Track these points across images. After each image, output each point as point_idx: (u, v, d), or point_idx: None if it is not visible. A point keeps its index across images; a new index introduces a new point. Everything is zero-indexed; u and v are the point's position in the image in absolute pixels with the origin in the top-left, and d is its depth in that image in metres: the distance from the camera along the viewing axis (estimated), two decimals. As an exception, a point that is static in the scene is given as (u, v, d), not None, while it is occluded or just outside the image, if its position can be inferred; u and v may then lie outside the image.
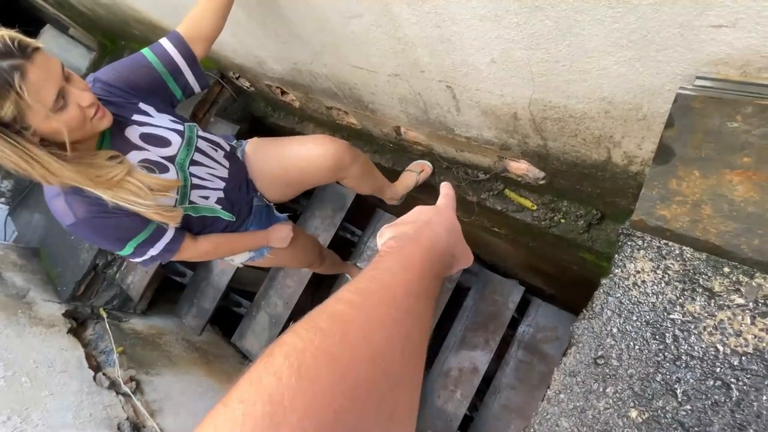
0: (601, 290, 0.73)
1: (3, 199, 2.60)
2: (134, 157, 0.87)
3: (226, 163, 1.07)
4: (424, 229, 0.41)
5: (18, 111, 0.68)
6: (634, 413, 0.64)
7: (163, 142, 0.92)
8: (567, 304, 2.20)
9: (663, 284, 0.70)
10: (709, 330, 0.65)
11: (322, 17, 1.01)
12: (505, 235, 1.58)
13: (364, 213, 2.25)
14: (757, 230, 0.61)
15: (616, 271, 0.73)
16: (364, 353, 0.26)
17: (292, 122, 2.08)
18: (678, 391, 0.64)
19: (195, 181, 0.97)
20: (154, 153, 0.90)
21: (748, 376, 0.60)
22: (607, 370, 0.69)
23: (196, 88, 1.01)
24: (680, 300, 0.68)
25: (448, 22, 0.75)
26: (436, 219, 0.43)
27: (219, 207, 1.04)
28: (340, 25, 0.99)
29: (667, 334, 0.67)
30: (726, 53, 0.51)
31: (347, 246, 2.41)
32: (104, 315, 1.97)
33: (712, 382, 0.62)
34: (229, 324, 2.41)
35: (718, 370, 0.63)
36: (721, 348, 0.64)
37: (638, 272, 0.72)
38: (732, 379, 0.61)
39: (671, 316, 0.68)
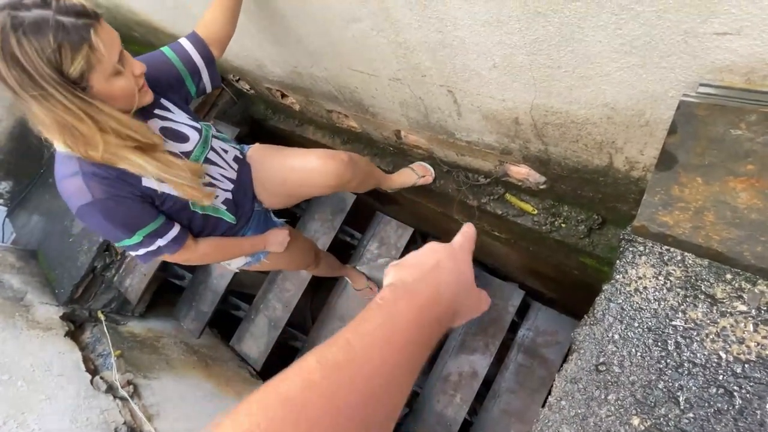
0: (603, 296, 0.73)
1: (1, 201, 2.59)
2: None
3: (236, 166, 1.08)
4: (427, 278, 0.37)
5: (87, 67, 0.70)
6: (636, 421, 0.64)
7: (182, 138, 0.93)
8: (567, 308, 2.20)
9: (665, 290, 0.69)
10: (711, 337, 0.65)
11: (323, 21, 1.01)
12: (505, 239, 1.57)
13: (364, 216, 2.25)
14: (760, 237, 0.60)
15: (618, 277, 0.73)
16: None
17: (292, 125, 2.08)
18: (680, 399, 0.64)
19: (207, 179, 0.98)
20: (173, 148, 0.91)
21: (751, 384, 0.60)
22: (609, 377, 0.68)
23: (209, 87, 1.04)
24: (682, 306, 0.67)
25: (450, 27, 0.74)
26: (445, 265, 0.39)
27: (224, 208, 1.05)
28: (341, 29, 0.99)
29: (669, 341, 0.67)
30: (730, 60, 0.50)
31: (347, 249, 2.41)
32: (102, 318, 1.96)
33: (714, 390, 0.62)
34: (227, 327, 2.40)
35: (720, 377, 0.62)
36: (723, 355, 0.63)
37: (640, 278, 0.72)
38: (735, 387, 0.61)
39: (673, 323, 0.67)
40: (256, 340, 2.15)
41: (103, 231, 0.87)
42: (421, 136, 1.36)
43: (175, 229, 0.94)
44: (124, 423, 1.45)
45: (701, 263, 0.70)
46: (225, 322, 2.46)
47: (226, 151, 1.06)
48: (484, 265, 2.40)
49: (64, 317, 1.85)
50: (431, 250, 0.41)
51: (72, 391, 1.47)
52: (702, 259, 0.70)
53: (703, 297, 0.69)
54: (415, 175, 1.52)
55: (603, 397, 0.70)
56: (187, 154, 0.93)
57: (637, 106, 0.67)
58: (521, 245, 1.55)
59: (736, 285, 0.67)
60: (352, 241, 2.30)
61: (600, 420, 0.68)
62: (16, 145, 2.46)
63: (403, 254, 2.16)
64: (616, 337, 0.73)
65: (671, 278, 0.73)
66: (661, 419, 0.65)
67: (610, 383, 0.70)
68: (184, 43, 0.97)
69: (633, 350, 0.71)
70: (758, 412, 0.56)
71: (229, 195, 1.05)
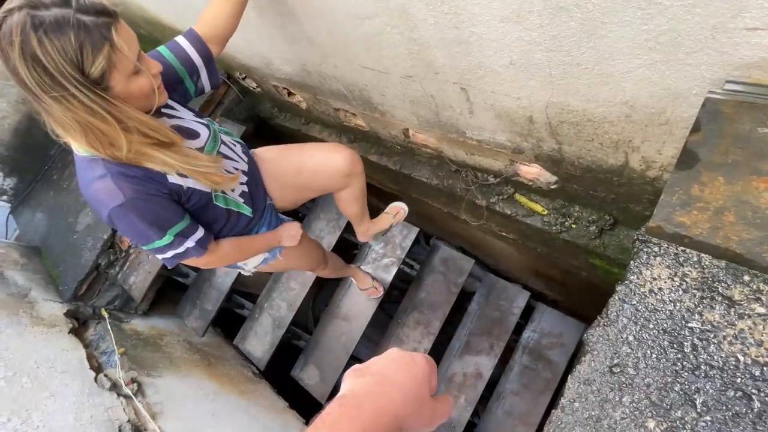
0: (617, 297, 0.71)
1: (5, 197, 2.58)
2: None
3: (245, 158, 1.08)
4: (375, 391, 0.37)
5: (108, 67, 0.69)
6: (651, 424, 0.63)
7: (193, 135, 0.92)
8: (571, 310, 2.19)
9: (681, 292, 0.68)
10: (729, 339, 0.64)
11: (335, 17, 1.00)
12: (513, 239, 1.56)
13: (371, 215, 2.24)
14: (781, 238, 0.60)
15: (632, 278, 0.72)
16: None
17: (299, 123, 2.07)
18: (697, 402, 0.63)
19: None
20: (187, 144, 0.89)
21: (770, 387, 0.59)
22: (624, 379, 0.67)
23: (208, 87, 1.02)
24: (699, 308, 0.66)
25: (467, 23, 0.74)
26: (400, 377, 0.39)
27: (242, 201, 1.04)
28: (353, 26, 0.98)
29: (685, 343, 0.66)
30: (760, 57, 0.50)
31: (351, 249, 2.40)
32: (106, 315, 1.95)
33: (732, 393, 0.61)
34: (231, 326, 2.39)
35: (738, 380, 0.61)
36: (741, 358, 0.62)
37: (655, 279, 0.71)
38: (753, 390, 0.60)
39: (689, 325, 0.66)
40: (260, 339, 2.14)
41: (135, 232, 0.85)
42: (430, 134, 1.35)
43: (200, 231, 0.94)
44: (128, 421, 1.44)
45: (718, 264, 0.69)
46: (228, 321, 2.46)
47: (234, 144, 1.07)
48: (488, 266, 2.40)
49: (68, 314, 1.85)
50: (390, 359, 0.41)
51: (76, 388, 1.46)
52: (719, 260, 0.69)
53: (720, 299, 0.68)
54: (390, 217, 1.65)
55: (617, 399, 0.69)
56: (199, 150, 0.93)
57: (658, 104, 0.66)
58: (529, 246, 1.54)
59: (755, 287, 0.66)
60: (356, 241, 2.29)
61: (614, 422, 0.67)
62: (21, 141, 2.45)
63: (409, 252, 2.15)
64: (631, 338, 0.72)
65: (687, 279, 0.72)
66: (678, 422, 0.64)
67: (624, 385, 0.69)
68: (181, 41, 0.95)
69: (648, 352, 0.70)
70: (777, 415, 0.55)
71: (245, 188, 1.05)
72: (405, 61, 0.99)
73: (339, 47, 1.13)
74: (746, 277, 0.65)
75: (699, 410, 0.61)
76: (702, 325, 0.66)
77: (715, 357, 0.63)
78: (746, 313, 0.64)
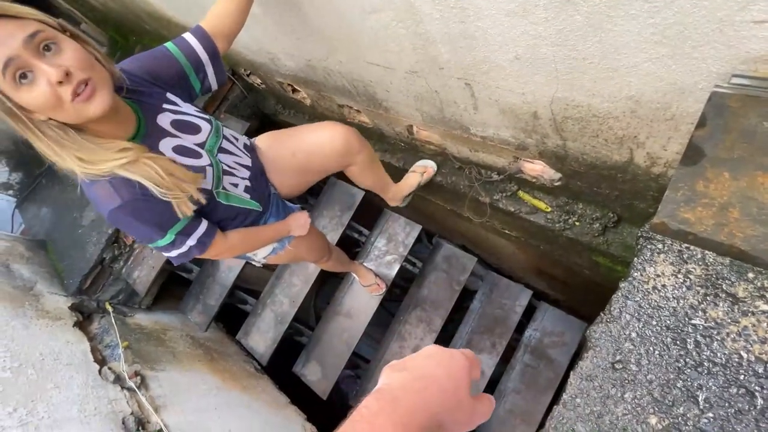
0: (620, 294, 0.71)
1: (11, 192, 2.61)
2: (168, 143, 0.87)
3: (248, 153, 1.08)
4: (414, 386, 0.36)
5: None
6: (653, 420, 0.63)
7: (194, 129, 0.92)
8: (573, 309, 2.18)
9: (684, 289, 0.68)
10: (732, 336, 0.64)
11: (340, 12, 1.00)
12: (516, 237, 1.56)
13: (372, 213, 2.24)
14: (787, 235, 0.59)
15: (635, 274, 0.72)
16: None
17: (302, 120, 2.08)
18: (700, 399, 0.62)
19: (224, 167, 0.98)
20: (187, 140, 0.90)
21: (773, 384, 0.59)
22: (626, 375, 0.67)
23: (214, 84, 1.01)
24: (702, 305, 0.66)
25: (473, 17, 0.74)
26: (438, 373, 0.38)
27: (248, 196, 1.04)
28: (359, 21, 0.98)
29: (688, 340, 0.66)
30: (767, 50, 0.49)
31: (354, 246, 2.40)
32: (110, 309, 1.97)
33: (735, 390, 0.60)
34: (233, 322, 2.40)
35: (741, 377, 0.61)
36: (745, 355, 0.62)
37: (658, 276, 0.71)
38: (756, 387, 0.60)
39: (693, 322, 0.66)
40: (263, 334, 2.15)
41: (136, 233, 0.85)
42: (434, 131, 1.35)
43: (203, 226, 0.93)
44: (132, 413, 1.46)
45: (722, 261, 0.69)
46: (230, 317, 2.47)
47: (237, 139, 1.07)
48: (489, 264, 2.39)
49: (72, 308, 1.86)
50: (428, 355, 0.40)
51: (80, 380, 1.47)
52: (723, 257, 0.69)
53: (724, 296, 0.68)
54: (417, 175, 1.56)
55: (619, 395, 0.69)
56: (201, 145, 0.93)
57: (663, 99, 0.66)
58: (532, 243, 1.53)
59: (759, 284, 0.66)
60: (359, 238, 2.29)
61: (616, 418, 0.68)
62: (27, 136, 2.47)
63: (411, 250, 2.15)
64: (634, 335, 0.72)
65: (691, 276, 0.71)
66: (680, 419, 0.64)
67: (626, 381, 0.69)
68: (188, 37, 0.94)
69: (651, 348, 0.70)
70: (781, 412, 0.55)
71: (248, 182, 1.05)
72: (410, 56, 0.99)
73: (344, 42, 1.13)
74: (750, 275, 0.65)
75: (701, 407, 0.61)
76: (705, 322, 0.65)
77: (719, 354, 0.63)
78: (750, 310, 0.63)
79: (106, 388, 1.51)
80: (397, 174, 1.82)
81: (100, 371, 1.57)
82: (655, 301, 0.71)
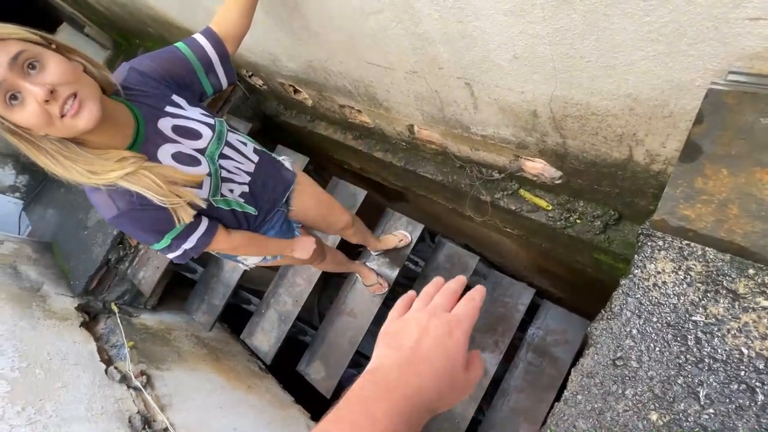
0: (620, 291, 0.72)
1: (18, 194, 2.64)
2: (167, 149, 0.87)
3: (255, 158, 1.08)
4: (409, 371, 0.37)
5: None
6: (654, 416, 0.63)
7: (195, 135, 0.92)
8: (575, 308, 2.18)
9: (685, 285, 0.68)
10: (733, 333, 0.64)
11: (341, 14, 1.01)
12: (517, 235, 1.57)
13: (375, 213, 2.25)
14: (787, 230, 0.59)
15: (636, 271, 0.72)
16: None
17: (304, 121, 2.09)
18: (701, 395, 0.63)
19: (223, 174, 0.98)
20: (187, 146, 0.90)
21: (774, 380, 0.59)
22: (627, 372, 0.67)
23: (224, 83, 1.02)
24: (703, 302, 0.66)
25: (471, 17, 0.74)
26: (433, 355, 0.38)
27: (242, 201, 1.06)
28: (359, 22, 0.99)
29: (689, 336, 0.66)
30: (762, 47, 0.50)
31: (356, 247, 2.41)
32: (116, 310, 1.99)
33: (736, 386, 0.61)
34: (237, 322, 2.42)
35: (742, 373, 0.61)
36: (745, 351, 0.62)
37: (659, 273, 0.71)
38: (757, 383, 0.60)
39: (693, 318, 0.66)
40: (267, 333, 2.16)
41: (134, 236, 0.89)
42: (434, 130, 1.36)
43: (202, 227, 0.95)
44: (138, 412, 1.47)
45: (723, 258, 0.69)
46: (234, 317, 2.48)
47: (245, 144, 1.07)
48: (492, 263, 2.39)
49: (79, 308, 1.89)
50: (423, 327, 0.40)
51: (87, 380, 1.49)
52: (724, 253, 0.69)
53: (724, 292, 0.68)
54: (395, 239, 2.07)
55: (620, 391, 0.69)
56: (201, 151, 0.93)
57: (661, 96, 0.66)
58: (533, 242, 1.53)
59: (759, 280, 0.66)
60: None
61: (617, 415, 0.68)
62: (33, 139, 2.50)
63: (414, 249, 2.16)
64: (634, 332, 0.72)
65: (691, 273, 0.71)
66: (681, 415, 0.64)
67: (627, 378, 0.69)
68: (199, 38, 0.96)
69: (651, 345, 0.70)
70: (782, 408, 0.55)
71: (246, 188, 1.06)
72: (410, 56, 1.00)
73: (345, 43, 1.14)
74: (751, 271, 0.65)
75: (702, 403, 0.61)
76: (706, 319, 0.65)
77: (719, 350, 0.63)
78: (751, 306, 0.63)
79: (112, 388, 1.52)
80: (398, 172, 1.83)
81: (106, 371, 1.59)
82: (656, 297, 0.72)
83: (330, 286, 2.91)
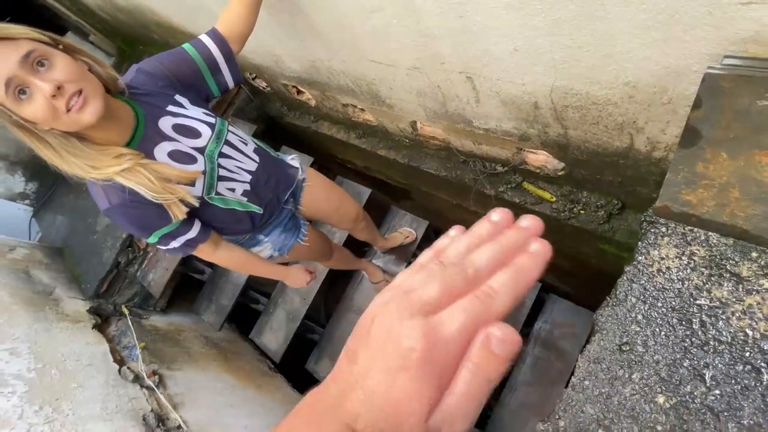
0: (625, 277, 0.73)
1: (27, 201, 2.68)
2: (165, 147, 0.90)
3: (256, 157, 1.10)
4: (363, 376, 0.25)
5: None
6: (661, 399, 0.64)
7: (194, 134, 0.95)
8: (582, 301, 2.18)
9: (689, 270, 0.69)
10: (737, 315, 0.64)
11: (342, 13, 1.03)
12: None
13: (380, 210, 2.27)
14: (788, 211, 0.60)
15: (640, 258, 0.73)
16: None
17: (308, 121, 2.11)
18: (706, 377, 0.63)
19: (222, 173, 1.00)
20: (185, 144, 0.93)
21: (778, 360, 0.60)
22: (633, 357, 0.68)
23: (231, 83, 1.05)
24: (707, 285, 0.67)
25: (472, 12, 0.76)
26: (392, 353, 0.24)
27: (245, 199, 1.07)
28: (361, 20, 1.01)
29: (694, 320, 0.67)
30: (755, 31, 0.51)
31: (363, 244, 2.42)
32: (126, 312, 2.02)
33: (741, 367, 0.61)
34: (245, 322, 2.44)
35: (747, 354, 0.62)
36: (750, 333, 0.63)
37: (663, 259, 0.72)
38: (762, 364, 0.61)
39: (698, 302, 0.67)
40: (275, 332, 2.18)
41: (126, 230, 0.93)
42: (437, 126, 1.37)
43: (193, 231, 0.98)
44: (151, 411, 1.50)
45: (726, 242, 0.70)
46: (242, 318, 2.51)
47: (245, 144, 1.09)
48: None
49: (90, 311, 1.92)
50: (406, 351, 0.25)
51: (101, 380, 1.52)
52: (726, 237, 0.70)
53: (728, 276, 0.68)
54: (401, 236, 2.12)
55: (627, 376, 0.70)
56: (200, 150, 0.95)
57: (659, 83, 0.67)
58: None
59: (763, 262, 0.67)
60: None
61: (624, 399, 0.69)
62: (42, 146, 2.54)
63: (419, 246, 2.17)
64: (639, 317, 0.73)
65: (695, 258, 0.72)
66: (687, 397, 0.65)
67: (633, 362, 0.70)
68: (204, 38, 0.99)
69: (657, 330, 0.71)
70: (787, 386, 0.56)
71: (248, 186, 1.07)
72: (411, 52, 1.02)
73: (347, 42, 1.16)
74: (754, 254, 0.66)
75: (708, 384, 0.62)
76: (710, 302, 0.66)
77: (724, 332, 0.64)
78: (755, 288, 0.64)
79: (126, 387, 1.55)
80: (402, 169, 1.85)
81: (119, 371, 1.62)
82: (660, 283, 0.72)
83: (337, 284, 2.93)
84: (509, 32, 0.76)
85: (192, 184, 0.94)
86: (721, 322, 0.65)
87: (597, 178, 1.11)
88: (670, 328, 0.69)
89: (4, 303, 1.65)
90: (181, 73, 0.95)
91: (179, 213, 0.90)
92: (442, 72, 1.02)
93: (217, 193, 1.00)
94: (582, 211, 1.24)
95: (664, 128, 0.77)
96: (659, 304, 0.71)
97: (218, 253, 1.07)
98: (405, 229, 2.18)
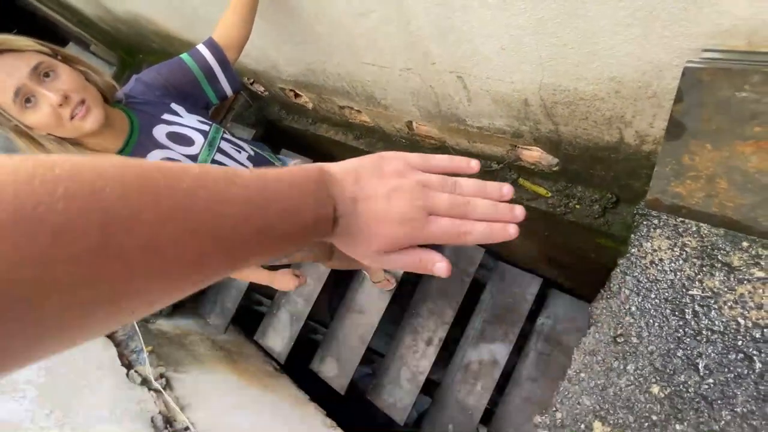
0: (618, 270, 0.74)
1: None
2: (156, 155, 0.92)
3: (249, 165, 1.12)
4: (364, 193, 0.35)
5: None
6: (655, 389, 0.65)
7: (187, 141, 0.97)
8: (585, 296, 2.18)
9: (681, 261, 0.70)
10: (729, 304, 0.65)
11: (334, 16, 1.05)
12: (519, 225, 1.58)
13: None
14: (773, 200, 0.61)
15: (633, 250, 0.74)
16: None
17: (306, 124, 2.13)
18: (700, 366, 0.64)
19: None
20: (176, 152, 0.95)
21: (771, 348, 0.60)
22: (627, 348, 0.69)
23: (229, 91, 1.07)
24: (699, 276, 0.68)
25: (459, 12, 0.77)
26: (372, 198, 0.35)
27: None
28: (352, 23, 1.03)
29: (686, 310, 0.68)
30: (731, 24, 0.52)
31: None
32: (133, 316, 2.05)
33: (734, 356, 0.62)
34: (249, 325, 2.47)
35: (740, 343, 0.63)
36: (742, 321, 0.64)
37: (655, 251, 0.73)
38: (754, 352, 0.62)
39: (690, 292, 0.68)
40: (279, 333, 2.21)
41: None
42: (432, 125, 1.39)
43: None
44: (159, 413, 1.53)
45: (717, 232, 0.71)
46: (246, 320, 2.54)
47: (238, 152, 1.10)
48: (500, 256, 2.41)
49: (98, 316, 1.95)
50: (387, 168, 0.38)
51: (110, 383, 1.55)
52: (717, 228, 0.71)
53: (719, 265, 0.69)
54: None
55: (622, 367, 0.71)
56: (193, 158, 0.97)
57: (643, 77, 0.68)
58: (536, 230, 1.55)
59: (753, 252, 0.68)
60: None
61: (620, 390, 0.70)
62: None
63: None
64: (633, 309, 0.74)
65: (687, 249, 0.73)
66: (681, 386, 0.66)
67: (628, 354, 0.71)
68: (200, 48, 1.01)
69: (650, 321, 0.72)
70: (779, 374, 0.57)
71: None
72: (403, 54, 1.03)
73: (340, 45, 1.18)
74: (745, 243, 0.67)
75: (702, 374, 0.63)
76: (702, 292, 0.67)
77: (716, 322, 0.65)
78: (746, 278, 0.65)
79: (134, 390, 1.58)
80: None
81: (127, 374, 1.65)
82: (653, 275, 0.73)
83: (339, 284, 2.96)
84: (496, 32, 0.77)
85: None
86: (713, 312, 0.66)
87: (590, 173, 1.12)
88: (664, 318, 0.70)
89: (14, 310, 1.69)
90: (178, 82, 0.98)
91: None
92: (433, 72, 1.03)
93: None
94: (577, 206, 1.25)
95: (651, 122, 0.78)
96: (652, 296, 0.72)
97: None
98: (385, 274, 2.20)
